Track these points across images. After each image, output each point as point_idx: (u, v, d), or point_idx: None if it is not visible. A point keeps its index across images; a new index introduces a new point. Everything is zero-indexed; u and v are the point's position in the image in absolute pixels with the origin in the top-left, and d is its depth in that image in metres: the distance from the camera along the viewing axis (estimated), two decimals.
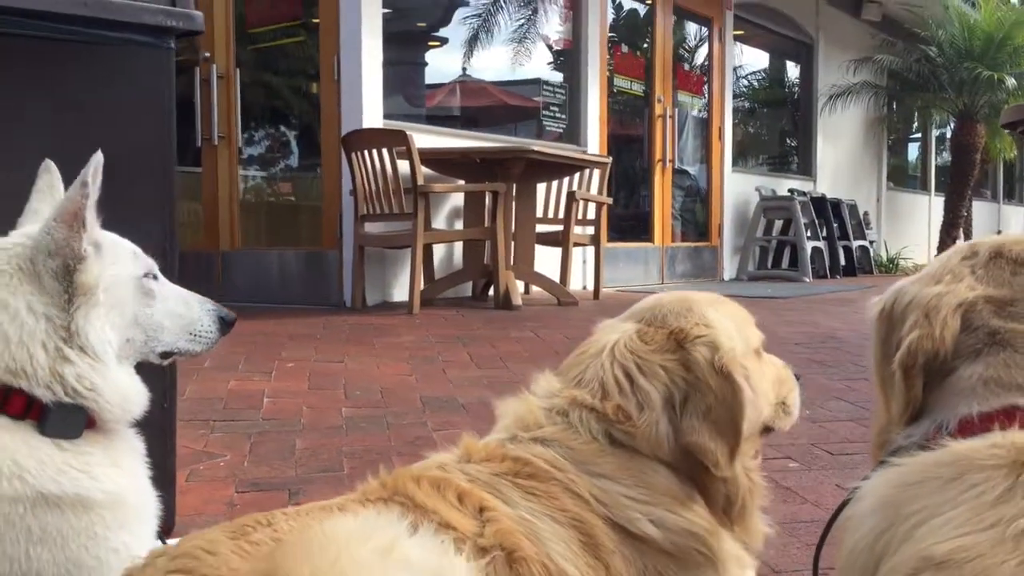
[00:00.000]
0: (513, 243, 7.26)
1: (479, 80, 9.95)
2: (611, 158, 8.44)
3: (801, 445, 3.12)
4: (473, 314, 6.52)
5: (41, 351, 1.45)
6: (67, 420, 1.45)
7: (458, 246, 7.60)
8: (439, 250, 7.49)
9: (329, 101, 7.27)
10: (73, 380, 1.45)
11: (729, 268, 11.80)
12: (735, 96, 12.87)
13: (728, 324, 1.56)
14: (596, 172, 8.00)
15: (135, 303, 1.60)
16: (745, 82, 14.05)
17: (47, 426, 1.43)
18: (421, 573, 1.22)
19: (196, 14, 2.23)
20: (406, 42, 9.48)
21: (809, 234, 11.72)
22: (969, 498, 1.09)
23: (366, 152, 6.56)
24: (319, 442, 3.13)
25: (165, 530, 1.73)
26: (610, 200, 8.36)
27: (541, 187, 7.78)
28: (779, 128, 15.05)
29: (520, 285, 7.46)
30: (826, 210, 12.46)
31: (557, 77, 9.90)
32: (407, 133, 6.45)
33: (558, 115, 9.57)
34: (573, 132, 9.54)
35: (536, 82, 9.72)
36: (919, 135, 17.95)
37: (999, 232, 13.88)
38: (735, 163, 12.25)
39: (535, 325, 5.87)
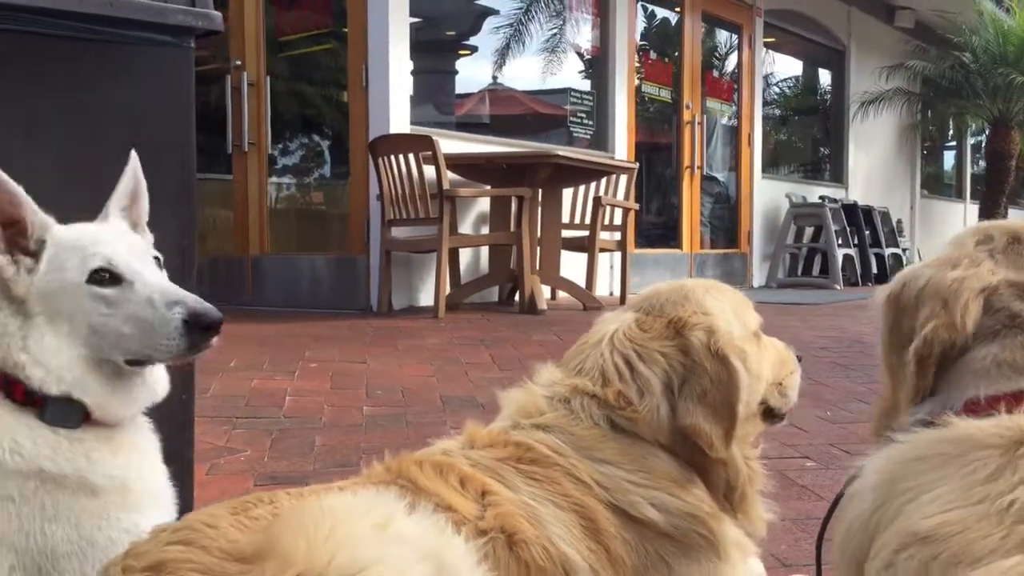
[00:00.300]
0: (539, 248, 7.28)
1: (508, 88, 10.02)
2: (637, 164, 8.45)
3: (819, 445, 3.11)
4: (498, 318, 6.54)
5: (20, 353, 1.49)
6: (64, 411, 1.49)
7: (485, 251, 7.64)
8: (465, 255, 7.53)
9: (357, 108, 7.35)
10: (37, 384, 1.49)
11: (759, 275, 11.73)
12: (766, 103, 12.82)
13: (725, 308, 1.58)
14: (623, 178, 8.01)
15: (86, 310, 1.51)
16: (776, 89, 13.99)
17: (46, 415, 1.48)
18: (417, 549, 1.24)
19: (215, 14, 2.28)
20: (436, 51, 9.57)
21: (840, 241, 11.62)
22: (963, 475, 1.08)
23: (392, 157, 6.62)
24: (338, 439, 3.17)
25: None
26: (636, 206, 8.36)
27: (568, 193, 7.80)
28: (810, 135, 14.96)
29: (547, 291, 7.48)
30: (858, 217, 12.35)
31: (585, 84, 9.93)
32: (432, 138, 6.50)
33: (586, 122, 9.59)
34: (601, 139, 9.56)
35: (564, 90, 9.75)
36: (955, 143, 17.76)
37: None
38: (766, 170, 12.20)
39: (559, 329, 5.89)
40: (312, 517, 1.22)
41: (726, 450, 1.49)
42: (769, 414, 1.67)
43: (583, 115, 9.60)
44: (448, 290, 6.93)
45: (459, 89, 9.88)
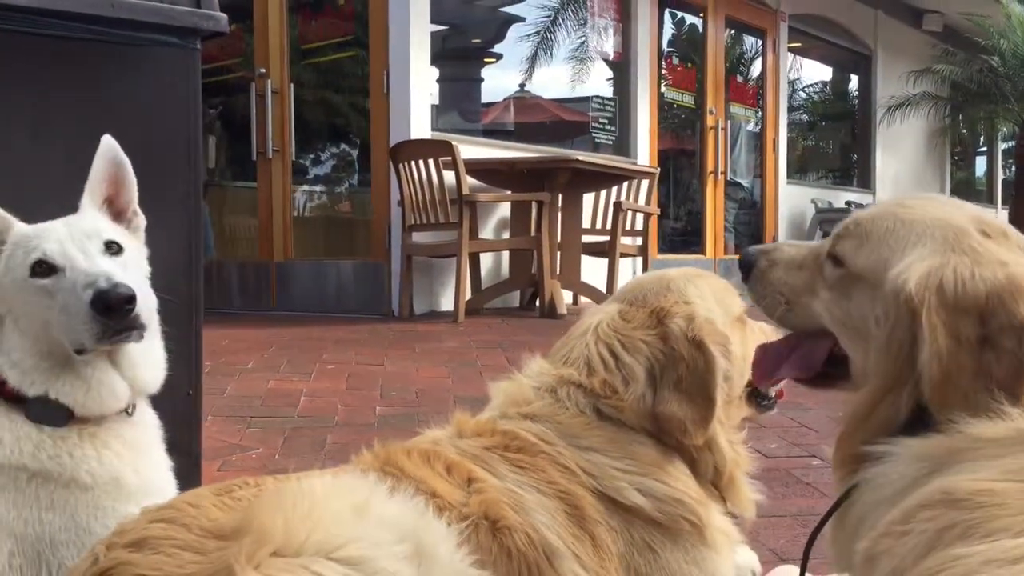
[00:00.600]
0: (559, 253, 7.29)
1: (533, 95, 10.06)
2: (658, 169, 8.44)
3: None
4: (518, 323, 6.56)
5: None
6: (47, 410, 1.53)
7: (506, 256, 7.67)
8: (486, 260, 7.56)
9: (379, 115, 7.41)
10: (15, 386, 1.54)
11: None
12: (792, 108, 12.76)
13: (707, 296, 1.59)
14: (644, 183, 8.01)
15: (34, 304, 1.52)
16: (803, 94, 13.93)
17: (29, 413, 1.53)
18: (395, 530, 1.26)
19: (220, 15, 2.32)
20: (462, 58, 9.64)
21: None
22: None
23: (413, 163, 6.67)
24: (350, 437, 3.20)
25: None
26: (657, 210, 8.35)
27: (588, 198, 7.81)
28: (837, 140, 14.86)
29: (568, 295, 7.49)
30: None
31: (607, 90, 9.94)
32: (452, 143, 6.54)
33: (608, 128, 9.60)
34: (623, 144, 9.56)
35: (588, 96, 9.78)
36: (985, 148, 17.56)
37: None
38: (791, 175, 12.14)
39: None
40: (291, 497, 1.24)
41: (702, 436, 1.51)
42: (756, 398, 1.67)
43: (605, 121, 9.61)
44: (469, 295, 6.96)
45: (485, 96, 9.94)
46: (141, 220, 1.82)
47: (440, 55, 8.88)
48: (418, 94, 7.25)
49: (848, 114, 14.51)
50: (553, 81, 10.18)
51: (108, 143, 1.77)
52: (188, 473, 2.05)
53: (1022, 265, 1.18)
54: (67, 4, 2.08)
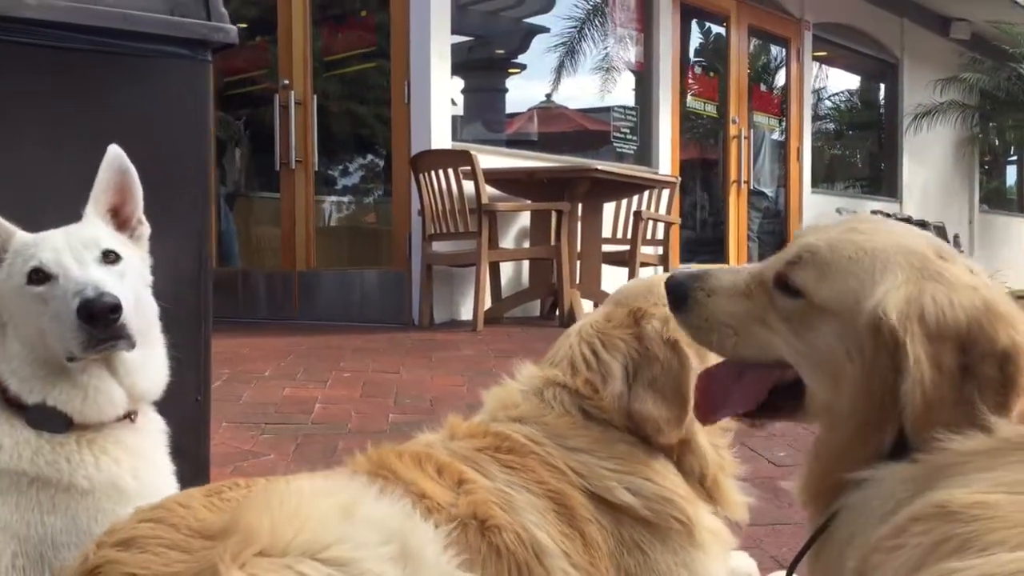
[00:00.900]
0: (579, 262, 7.30)
1: (556, 105, 10.10)
2: (678, 178, 8.43)
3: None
4: (537, 332, 6.57)
5: (0, 364, 1.59)
6: (46, 416, 1.57)
7: (526, 265, 7.69)
8: (507, 269, 7.58)
9: (400, 125, 7.46)
10: (14, 393, 1.58)
11: None
12: (818, 117, 12.70)
13: None
14: (665, 192, 8.00)
15: (30, 311, 1.55)
16: (829, 103, 13.86)
17: (29, 419, 1.57)
18: (382, 531, 1.28)
19: (230, 27, 2.36)
20: (485, 69, 9.69)
21: None
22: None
23: (433, 173, 6.71)
24: (361, 444, 3.18)
25: None
26: (677, 220, 8.34)
27: (609, 207, 7.82)
28: (863, 149, 14.76)
29: (588, 305, 7.49)
30: None
31: (630, 99, 9.95)
32: (471, 153, 6.58)
33: (630, 137, 9.61)
34: (644, 153, 9.56)
35: (610, 106, 9.80)
36: (1015, 156, 17.37)
37: None
38: (817, 184, 12.07)
39: None
40: (278, 497, 1.27)
41: (675, 436, 1.52)
42: None
43: (627, 130, 9.62)
44: (489, 304, 6.98)
45: (510, 106, 9.99)
46: (145, 229, 1.85)
47: (465, 66, 8.94)
48: (438, 104, 7.30)
49: (875, 123, 14.41)
50: (577, 91, 10.22)
51: (114, 152, 1.80)
52: (195, 478, 2.07)
53: (990, 287, 1.18)
54: (81, 18, 2.13)
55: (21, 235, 1.63)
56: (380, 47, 7.98)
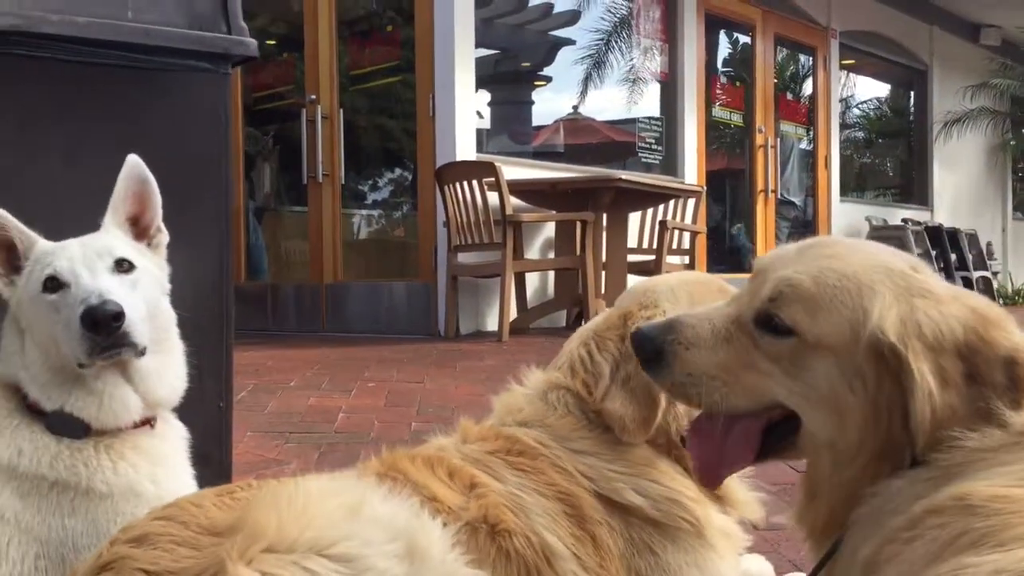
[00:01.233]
0: (604, 272, 7.30)
1: (584, 117, 10.13)
2: (704, 187, 8.42)
3: None
4: (562, 342, 6.53)
5: (21, 371, 1.63)
6: (65, 422, 1.60)
7: (551, 276, 7.70)
8: (532, 280, 7.60)
9: (425, 137, 7.52)
10: (34, 400, 1.61)
11: None
12: (846, 125, 12.63)
13: (681, 300, 1.61)
14: (691, 201, 8.00)
15: (45, 318, 1.59)
16: (857, 111, 13.78)
17: (48, 425, 1.60)
18: (388, 529, 1.29)
19: (250, 41, 2.40)
20: (511, 82, 9.75)
21: None
22: None
23: (457, 184, 6.75)
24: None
25: None
26: (703, 229, 8.33)
27: (635, 217, 7.82)
28: (893, 157, 14.65)
29: None
30: (943, 240, 12.02)
31: (655, 109, 9.96)
32: (496, 164, 6.61)
33: (655, 147, 9.61)
34: (670, 163, 9.56)
35: (634, 117, 9.81)
36: None
37: None
38: (845, 193, 11.99)
39: None
40: (286, 496, 1.29)
41: (641, 436, 1.53)
42: None
43: (652, 140, 9.63)
44: (515, 314, 7.00)
45: (537, 119, 10.05)
46: (164, 237, 1.88)
47: (491, 79, 9.00)
48: (463, 117, 7.35)
49: (905, 130, 14.31)
50: (604, 103, 10.25)
51: (133, 162, 1.84)
52: (217, 484, 2.10)
53: (969, 295, 1.18)
54: (103, 33, 2.18)
55: (42, 243, 1.67)
56: (405, 61, 8.06)
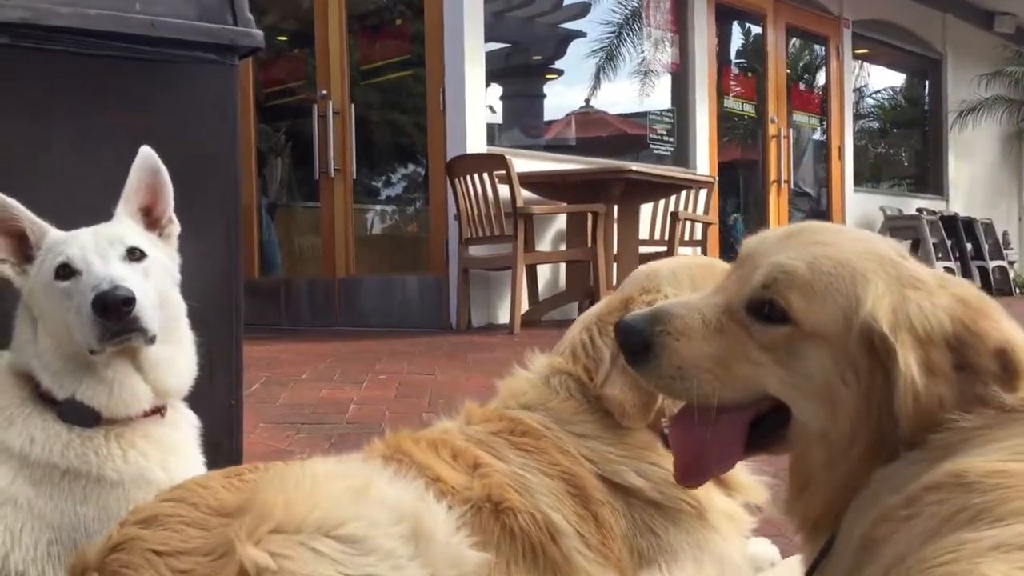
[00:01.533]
0: (616, 264, 7.30)
1: (596, 110, 10.13)
2: (715, 178, 8.40)
3: None
4: None
5: (33, 359, 1.65)
6: (77, 411, 1.62)
7: (563, 268, 7.71)
8: (544, 272, 7.60)
9: (436, 131, 7.54)
10: (46, 388, 1.63)
11: None
12: (860, 116, 12.56)
13: (683, 285, 1.61)
14: (703, 192, 7.98)
15: (57, 306, 1.61)
16: (871, 100, 13.71)
17: (61, 414, 1.62)
18: (394, 511, 1.31)
19: (257, 32, 2.41)
20: (522, 75, 9.75)
21: (939, 254, 11.26)
22: None
23: (468, 177, 6.76)
24: None
25: None
26: (715, 220, 8.31)
27: (646, 209, 7.81)
28: (908, 147, 14.57)
29: None
30: (958, 229, 11.95)
31: (666, 101, 9.94)
32: (506, 157, 6.62)
33: (666, 139, 9.60)
34: (682, 155, 9.54)
35: (646, 109, 9.80)
36: None
37: None
38: (859, 183, 11.94)
39: None
40: (294, 478, 1.30)
41: (641, 422, 1.53)
42: None
43: (664, 132, 9.61)
44: (527, 307, 7.01)
45: (549, 112, 10.06)
46: (175, 228, 1.90)
47: (502, 73, 9.00)
48: (473, 111, 7.36)
49: (919, 120, 14.23)
50: (616, 95, 10.24)
51: (146, 153, 1.86)
52: None
53: (956, 283, 1.17)
54: (111, 25, 2.20)
55: (54, 233, 1.69)
56: (416, 55, 8.07)
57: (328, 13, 8.04)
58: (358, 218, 8.58)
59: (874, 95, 13.81)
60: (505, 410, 1.63)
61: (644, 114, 9.76)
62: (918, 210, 11.92)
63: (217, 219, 2.41)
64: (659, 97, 9.93)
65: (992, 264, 12.47)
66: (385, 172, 9.40)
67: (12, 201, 1.66)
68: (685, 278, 1.64)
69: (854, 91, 12.25)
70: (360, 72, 8.49)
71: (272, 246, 9.21)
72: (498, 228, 6.63)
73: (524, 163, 7.13)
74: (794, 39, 11.37)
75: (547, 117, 10.06)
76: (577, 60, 10.09)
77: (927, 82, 13.89)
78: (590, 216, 6.91)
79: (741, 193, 11.42)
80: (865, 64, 12.88)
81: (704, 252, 7.82)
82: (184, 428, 1.84)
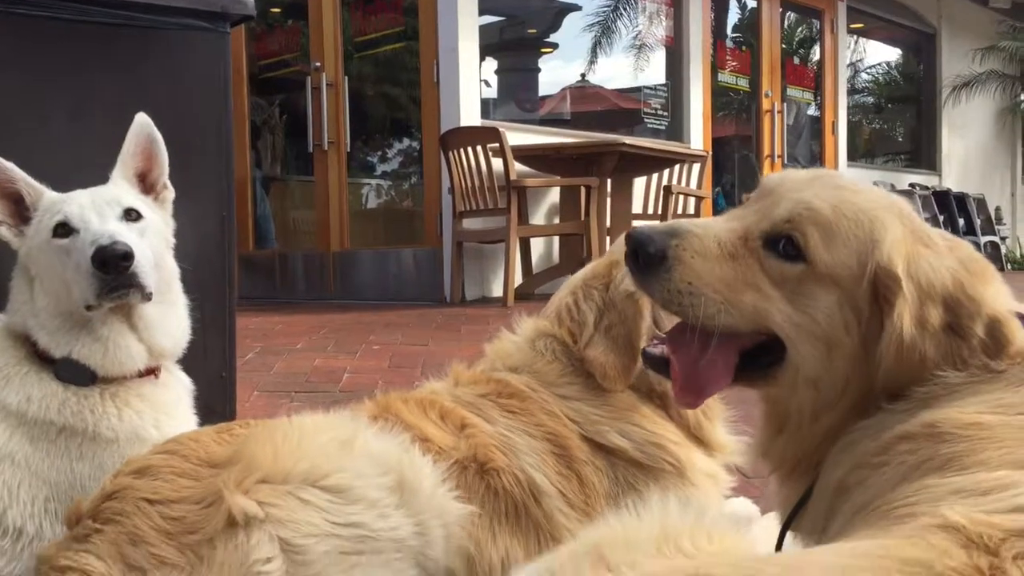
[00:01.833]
0: (608, 237, 7.32)
1: (591, 85, 10.11)
2: (708, 152, 8.41)
3: None
4: None
5: (30, 318, 1.69)
6: (73, 369, 1.67)
7: (556, 241, 7.73)
8: (537, 245, 7.63)
9: (429, 105, 7.53)
10: (43, 347, 1.67)
11: None
12: (854, 91, 12.54)
13: None
14: (696, 167, 8.00)
15: (54, 264, 1.65)
16: (866, 75, 13.69)
17: (57, 372, 1.67)
18: (379, 463, 1.35)
19: (247, 0, 2.44)
20: (517, 49, 9.72)
21: None
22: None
23: (462, 150, 6.77)
24: None
25: None
26: (707, 194, 8.33)
27: (640, 182, 7.83)
28: (902, 122, 14.57)
29: None
30: (950, 205, 11.98)
31: (660, 75, 9.93)
32: (500, 130, 6.63)
33: (661, 113, 9.59)
34: (676, 129, 9.54)
35: (640, 84, 9.79)
36: None
37: None
38: (852, 158, 11.94)
39: None
40: (282, 431, 1.35)
41: (622, 384, 1.57)
42: None
43: (658, 107, 9.61)
44: (520, 280, 7.04)
45: (544, 86, 10.05)
46: (170, 193, 1.93)
47: (497, 47, 8.97)
48: (467, 84, 7.35)
49: (913, 95, 14.22)
50: (611, 70, 10.22)
51: (141, 120, 1.89)
52: None
53: (961, 246, 1.19)
54: None
55: (50, 194, 1.73)
56: (409, 28, 8.05)
57: None
58: (352, 191, 8.59)
59: (869, 70, 13.81)
60: (492, 372, 1.67)
61: (639, 88, 9.75)
62: (911, 185, 11.94)
63: (210, 186, 2.44)
64: (654, 71, 9.92)
65: (984, 239, 12.50)
66: (379, 145, 9.40)
67: (8, 164, 1.70)
68: None
69: (848, 66, 12.23)
70: (354, 44, 8.47)
71: (266, 220, 9.21)
72: (492, 201, 6.65)
73: (518, 136, 7.13)
74: (789, 13, 11.33)
75: (543, 92, 10.04)
76: (573, 34, 10.06)
77: (921, 56, 13.87)
78: (584, 189, 6.93)
79: (735, 168, 11.43)
80: (860, 39, 12.85)
81: None
82: (177, 389, 1.88)
